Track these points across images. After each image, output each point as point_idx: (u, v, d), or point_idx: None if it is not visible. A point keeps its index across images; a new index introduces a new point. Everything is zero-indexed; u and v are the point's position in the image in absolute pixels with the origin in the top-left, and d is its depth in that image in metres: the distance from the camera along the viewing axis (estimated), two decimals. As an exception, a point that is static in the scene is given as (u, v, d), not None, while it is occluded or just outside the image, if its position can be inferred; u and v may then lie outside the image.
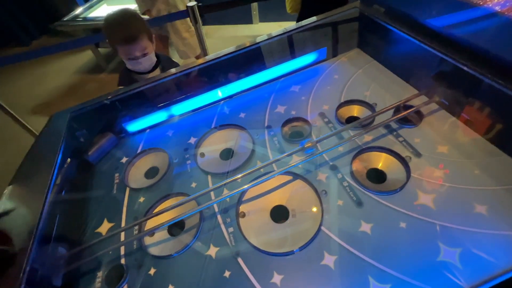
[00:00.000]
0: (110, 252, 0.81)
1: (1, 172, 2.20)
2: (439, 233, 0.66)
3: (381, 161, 0.86)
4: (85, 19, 3.11)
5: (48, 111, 2.78)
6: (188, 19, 1.74)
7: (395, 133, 0.90)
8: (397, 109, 0.96)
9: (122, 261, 0.78)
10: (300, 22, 1.24)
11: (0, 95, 1.76)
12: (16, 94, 1.78)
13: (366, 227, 0.71)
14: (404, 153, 0.84)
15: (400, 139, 0.88)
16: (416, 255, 0.64)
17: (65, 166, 0.97)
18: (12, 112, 1.55)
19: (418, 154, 0.83)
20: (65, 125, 1.01)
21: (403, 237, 0.67)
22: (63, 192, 0.93)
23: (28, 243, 0.66)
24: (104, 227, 0.88)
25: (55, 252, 0.75)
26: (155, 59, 1.16)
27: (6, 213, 0.73)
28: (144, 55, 1.10)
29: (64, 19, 3.11)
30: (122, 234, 0.85)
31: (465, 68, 0.79)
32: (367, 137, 0.92)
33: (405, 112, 0.90)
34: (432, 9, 0.94)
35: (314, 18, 1.23)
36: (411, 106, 0.96)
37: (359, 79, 1.14)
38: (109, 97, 1.10)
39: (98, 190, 1.01)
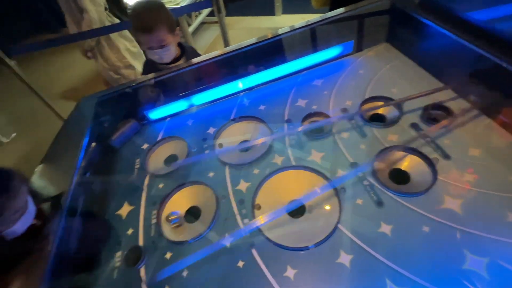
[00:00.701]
0: (129, 234, 0.84)
1: (32, 152, 2.35)
2: (465, 240, 0.63)
3: (406, 161, 0.82)
4: (112, 7, 3.18)
5: (75, 96, 2.91)
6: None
7: (422, 132, 0.86)
8: (426, 108, 0.92)
9: (140, 243, 0.81)
10: (325, 14, 1.19)
11: (32, 80, 1.86)
12: (46, 79, 1.89)
13: (386, 228, 0.69)
14: (431, 154, 0.80)
15: (428, 139, 0.84)
16: (438, 261, 0.61)
17: (91, 149, 1.01)
18: (42, 96, 1.63)
19: (446, 156, 0.78)
20: (92, 110, 1.05)
21: (425, 242, 0.65)
22: (87, 174, 0.98)
23: (57, 218, 0.70)
24: (125, 210, 0.92)
25: (80, 228, 0.79)
26: (176, 51, 1.14)
27: (36, 190, 0.78)
28: (162, 46, 1.09)
29: (93, 7, 3.21)
30: (141, 216, 0.88)
31: (506, 66, 0.73)
32: (392, 136, 0.88)
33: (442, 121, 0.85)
34: (472, 1, 0.88)
35: (341, 10, 1.18)
36: (441, 106, 0.90)
37: (386, 75, 1.09)
38: (133, 85, 1.12)
39: (119, 174, 1.05)
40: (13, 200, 0.61)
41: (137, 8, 1.14)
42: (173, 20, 1.11)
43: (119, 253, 0.81)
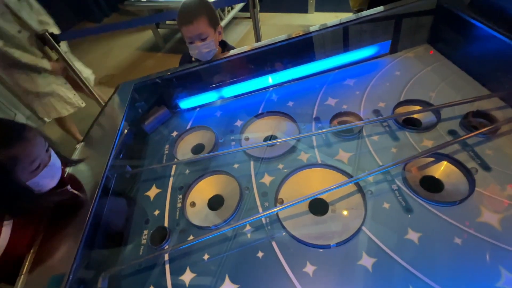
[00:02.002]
0: (156, 215, 0.88)
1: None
2: (502, 257, 0.59)
3: (440, 169, 0.78)
4: (149, 0, 3.32)
5: (111, 82, 3.08)
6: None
7: (461, 141, 0.81)
8: (467, 115, 0.86)
9: (166, 224, 0.85)
10: (361, 12, 1.15)
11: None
12: (86, 65, 2.04)
13: (413, 235, 0.66)
14: (470, 164, 0.75)
15: (468, 148, 0.79)
16: (469, 275, 0.58)
17: (125, 132, 1.07)
18: (85, 81, 1.75)
19: (487, 168, 0.73)
20: (129, 95, 1.11)
21: (456, 254, 0.61)
22: (121, 155, 1.04)
23: (94, 192, 0.75)
24: (152, 192, 0.96)
25: (114, 204, 0.84)
26: (215, 48, 1.16)
27: (78, 163, 0.84)
28: (202, 40, 1.11)
29: (132, 0, 3.37)
30: (168, 199, 0.92)
31: None
32: (427, 142, 0.84)
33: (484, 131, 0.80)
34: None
35: (380, 9, 1.14)
36: (485, 113, 0.85)
37: (425, 78, 1.03)
38: (168, 74, 1.17)
39: (149, 158, 1.10)
40: (29, 149, 0.62)
41: (183, 2, 1.17)
42: (214, 15, 1.12)
43: (145, 232, 0.85)
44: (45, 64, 1.62)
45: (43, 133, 0.69)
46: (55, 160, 0.70)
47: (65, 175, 0.81)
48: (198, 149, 1.09)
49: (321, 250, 0.70)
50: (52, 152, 0.70)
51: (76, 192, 0.76)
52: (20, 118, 2.58)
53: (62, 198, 0.73)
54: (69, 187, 0.76)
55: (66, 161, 0.79)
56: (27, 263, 0.64)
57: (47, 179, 0.68)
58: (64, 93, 1.79)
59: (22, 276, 0.62)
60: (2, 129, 0.61)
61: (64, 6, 4.29)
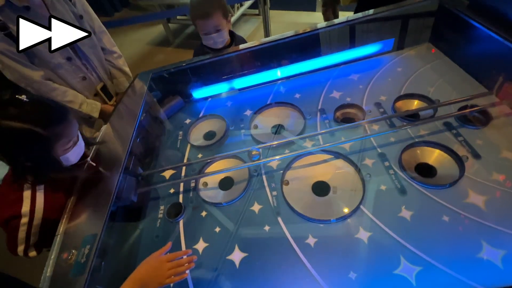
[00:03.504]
0: (171, 193, 0.97)
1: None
2: (484, 232, 0.66)
3: (434, 156, 0.85)
4: (160, -5, 3.40)
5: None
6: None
7: (455, 131, 0.88)
8: (463, 108, 0.92)
9: (180, 200, 0.93)
10: (367, 11, 1.21)
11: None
12: None
13: (406, 213, 0.73)
14: (461, 152, 0.82)
15: (460, 138, 0.85)
16: (454, 247, 0.65)
17: (142, 118, 1.15)
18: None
19: (477, 156, 0.80)
20: (147, 84, 1.19)
21: (443, 229, 0.69)
22: (138, 140, 1.12)
23: (118, 169, 0.84)
24: (168, 172, 1.05)
25: (133, 181, 0.92)
26: (227, 37, 1.24)
27: (103, 143, 0.93)
28: (217, 31, 1.20)
29: (143, -5, 3.45)
30: (182, 179, 1.00)
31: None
32: (423, 131, 0.91)
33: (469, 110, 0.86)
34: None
35: (384, 8, 1.20)
36: (479, 108, 0.91)
37: (425, 74, 1.10)
38: (183, 65, 1.25)
39: (165, 142, 1.18)
40: (70, 128, 0.72)
41: None
42: (226, 6, 1.21)
43: (162, 207, 0.94)
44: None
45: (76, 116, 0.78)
46: (81, 140, 0.79)
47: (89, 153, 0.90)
48: (209, 135, 1.17)
49: (321, 225, 0.77)
50: (79, 133, 0.79)
51: (93, 164, 0.85)
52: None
53: (83, 171, 0.82)
54: (88, 159, 0.85)
55: (87, 142, 0.89)
56: (62, 226, 0.72)
57: (74, 155, 0.77)
58: None
59: (58, 236, 0.70)
60: (51, 109, 0.70)
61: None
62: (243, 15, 3.49)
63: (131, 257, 0.81)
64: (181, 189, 0.97)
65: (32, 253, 0.77)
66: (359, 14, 1.21)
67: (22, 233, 0.72)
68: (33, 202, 0.72)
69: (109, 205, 0.75)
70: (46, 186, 0.75)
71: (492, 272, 0.60)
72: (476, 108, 0.87)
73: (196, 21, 1.18)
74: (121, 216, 0.90)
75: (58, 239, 0.69)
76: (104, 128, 1.02)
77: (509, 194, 0.71)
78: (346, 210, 0.78)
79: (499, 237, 0.65)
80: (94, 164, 0.86)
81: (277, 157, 0.94)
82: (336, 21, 1.22)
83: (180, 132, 1.20)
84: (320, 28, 1.21)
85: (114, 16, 4.61)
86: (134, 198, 0.90)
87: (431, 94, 1.01)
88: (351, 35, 1.28)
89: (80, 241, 0.68)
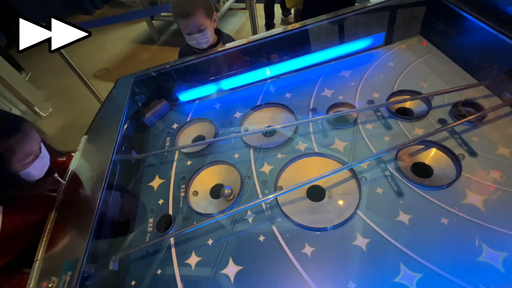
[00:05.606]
0: (160, 204, 0.92)
1: (68, 125, 2.53)
2: (484, 234, 0.64)
3: (430, 155, 0.83)
4: (143, -9, 3.27)
5: (107, 76, 3.05)
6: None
7: (450, 129, 0.86)
8: (456, 104, 0.90)
9: (170, 212, 0.89)
10: (356, 5, 1.17)
11: (71, 58, 1.99)
12: (80, 59, 2.01)
13: (404, 217, 0.71)
14: (457, 150, 0.80)
15: (456, 136, 0.83)
16: (454, 251, 0.63)
17: (126, 125, 1.09)
18: (81, 74, 1.75)
19: (473, 153, 0.78)
20: (129, 88, 1.12)
21: (442, 232, 0.67)
22: (123, 148, 1.06)
23: (101, 182, 0.78)
24: (156, 182, 1.00)
25: (117, 195, 0.87)
26: (212, 37, 1.18)
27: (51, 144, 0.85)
28: (200, 31, 1.13)
29: (125, -9, 3.31)
30: (171, 189, 0.95)
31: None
32: (418, 130, 0.88)
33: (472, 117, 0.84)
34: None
35: (375, 1, 1.16)
36: (473, 103, 0.89)
37: (417, 69, 1.07)
38: (167, 67, 1.19)
39: (151, 150, 1.13)
40: (25, 141, 0.65)
41: None
42: (210, 5, 1.14)
43: (151, 220, 0.89)
44: None
45: (37, 126, 0.73)
46: (45, 153, 0.73)
47: (63, 166, 0.84)
48: (198, 140, 1.12)
49: (318, 232, 0.74)
50: (42, 145, 0.73)
51: (61, 180, 0.79)
52: (16, 113, 2.57)
53: (49, 187, 0.77)
54: (56, 175, 0.79)
55: (57, 153, 0.83)
56: (41, 250, 0.67)
57: (37, 170, 0.71)
58: None
59: (37, 262, 0.65)
60: (2, 120, 0.63)
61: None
62: (229, 9, 3.40)
63: (120, 278, 0.77)
64: (171, 199, 0.93)
65: None
66: (348, 9, 1.17)
67: None
68: None
69: (92, 224, 0.70)
70: (9, 205, 0.69)
71: (493, 276, 0.59)
72: (469, 99, 0.85)
73: (178, 20, 1.12)
74: (107, 233, 0.85)
75: (36, 265, 0.64)
76: (84, 138, 0.96)
77: (507, 193, 0.70)
78: (342, 216, 0.75)
79: (499, 238, 0.63)
80: (61, 180, 0.80)
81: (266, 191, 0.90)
82: (325, 16, 1.18)
83: (168, 138, 1.14)
84: (309, 24, 1.17)
85: (95, 13, 4.43)
86: (119, 212, 0.86)
87: (424, 90, 0.99)
88: (341, 30, 1.24)
89: (61, 267, 0.63)
